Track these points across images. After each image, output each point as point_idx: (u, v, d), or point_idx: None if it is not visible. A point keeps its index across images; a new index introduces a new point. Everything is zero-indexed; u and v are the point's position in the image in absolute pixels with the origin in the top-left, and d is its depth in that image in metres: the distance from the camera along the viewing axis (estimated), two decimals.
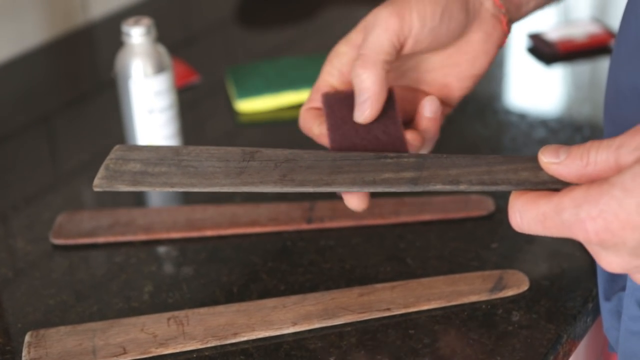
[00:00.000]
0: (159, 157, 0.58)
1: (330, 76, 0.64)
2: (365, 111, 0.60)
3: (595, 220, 0.47)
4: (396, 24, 0.59)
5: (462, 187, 0.54)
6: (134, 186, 0.56)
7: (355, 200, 0.59)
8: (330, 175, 0.56)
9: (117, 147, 0.59)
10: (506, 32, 0.65)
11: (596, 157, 0.49)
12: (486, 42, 0.64)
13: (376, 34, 0.59)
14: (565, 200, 0.48)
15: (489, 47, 0.64)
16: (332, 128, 0.60)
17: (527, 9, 0.68)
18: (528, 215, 0.50)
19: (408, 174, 0.56)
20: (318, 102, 0.64)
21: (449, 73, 0.65)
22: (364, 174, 0.56)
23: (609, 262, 0.49)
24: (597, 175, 0.49)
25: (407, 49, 0.61)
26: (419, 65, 0.65)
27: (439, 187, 0.55)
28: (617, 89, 0.61)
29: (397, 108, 0.61)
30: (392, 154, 0.57)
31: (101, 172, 0.57)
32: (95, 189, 0.57)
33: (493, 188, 0.53)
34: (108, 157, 0.58)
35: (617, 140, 0.48)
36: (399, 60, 0.64)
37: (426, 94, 0.65)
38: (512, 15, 0.66)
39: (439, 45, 0.63)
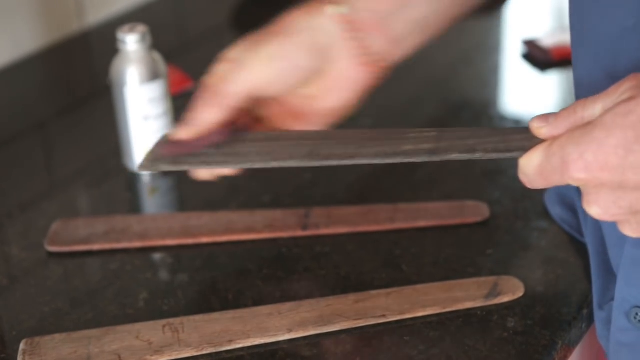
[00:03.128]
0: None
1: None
2: (184, 133, 0.64)
3: (576, 162, 0.48)
4: (255, 79, 0.64)
5: (477, 155, 0.56)
6: (175, 165, 0.63)
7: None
8: (355, 149, 0.59)
9: (164, 134, 0.65)
10: (372, 71, 0.66)
11: (583, 112, 0.50)
12: (341, 79, 0.66)
13: (237, 81, 0.64)
14: (554, 146, 0.50)
15: (346, 84, 0.66)
16: None
17: (408, 46, 0.68)
18: (529, 170, 0.52)
19: (427, 146, 0.58)
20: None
21: (308, 103, 0.67)
22: (386, 147, 0.59)
23: (591, 207, 0.50)
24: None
25: (264, 94, 0.65)
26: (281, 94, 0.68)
27: (455, 156, 0.56)
28: (590, 82, 0.61)
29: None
30: (415, 129, 0.60)
31: (147, 155, 0.63)
32: (140, 171, 0.64)
33: (508, 155, 0.55)
34: (155, 143, 0.64)
35: (602, 94, 0.49)
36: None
37: (291, 112, 0.68)
38: (388, 53, 0.67)
39: (294, 86, 0.66)
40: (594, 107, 0.50)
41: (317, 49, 0.65)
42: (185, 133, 0.64)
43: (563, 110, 0.52)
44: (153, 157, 0.63)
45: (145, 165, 0.63)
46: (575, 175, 0.49)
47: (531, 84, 1.05)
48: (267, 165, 0.61)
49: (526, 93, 1.04)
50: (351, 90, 0.67)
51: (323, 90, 0.67)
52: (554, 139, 0.51)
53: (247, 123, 0.68)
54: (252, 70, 0.64)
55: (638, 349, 0.62)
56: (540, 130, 0.52)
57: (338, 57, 0.65)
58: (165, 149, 0.64)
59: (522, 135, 0.54)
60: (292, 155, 0.60)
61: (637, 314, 0.61)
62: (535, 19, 1.22)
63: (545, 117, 0.52)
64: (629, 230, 0.51)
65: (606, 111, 0.48)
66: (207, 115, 0.64)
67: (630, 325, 0.61)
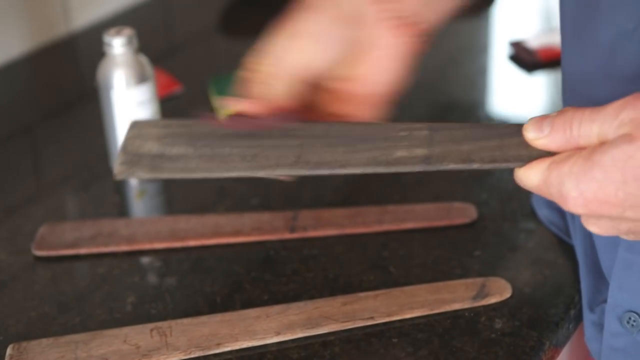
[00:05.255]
0: (175, 135, 0.60)
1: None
2: (249, 104, 0.61)
3: (576, 199, 0.49)
4: (301, 57, 0.61)
5: (475, 166, 0.55)
6: (152, 172, 0.58)
7: None
8: (344, 155, 0.58)
9: (132, 122, 0.61)
10: (411, 34, 0.63)
11: (579, 130, 0.50)
12: (386, 49, 0.63)
13: (287, 62, 0.61)
14: (552, 176, 0.50)
15: (391, 53, 0.63)
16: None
17: (441, 7, 0.66)
18: (527, 184, 0.53)
19: (420, 151, 0.56)
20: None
21: (358, 81, 0.64)
22: (378, 152, 0.57)
23: (590, 227, 0.51)
24: (582, 145, 0.50)
25: (312, 73, 0.62)
26: (329, 74, 0.65)
27: (451, 167, 0.55)
28: (585, 79, 0.61)
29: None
30: (405, 125, 0.58)
31: (120, 156, 0.58)
32: (117, 178, 0.58)
33: (505, 165, 0.54)
34: (125, 137, 0.59)
35: (599, 113, 0.49)
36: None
37: (345, 94, 0.65)
38: (420, 14, 0.63)
39: (337, 61, 0.63)
40: (591, 128, 0.49)
41: (348, 17, 0.61)
42: (254, 105, 0.60)
43: (557, 118, 0.51)
44: (129, 160, 0.58)
45: (120, 171, 0.57)
46: (574, 210, 0.49)
47: (518, 85, 1.05)
48: (254, 174, 0.58)
49: (513, 94, 1.04)
50: (392, 60, 0.63)
51: (365, 67, 0.63)
52: (552, 161, 0.50)
53: (299, 110, 0.64)
54: (296, 49, 0.61)
55: (631, 353, 0.62)
56: (536, 142, 0.52)
57: (370, 23, 0.62)
58: (230, 122, 0.60)
59: (517, 139, 0.53)
60: (278, 162, 0.58)
61: (630, 318, 0.61)
62: (522, 21, 1.22)
63: (539, 126, 0.52)
64: (627, 239, 0.52)
65: (605, 148, 0.48)
66: (274, 89, 0.61)
67: (623, 330, 0.61)
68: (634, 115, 0.48)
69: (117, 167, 0.57)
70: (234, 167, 0.58)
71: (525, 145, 0.53)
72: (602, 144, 0.48)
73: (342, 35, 0.61)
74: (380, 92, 0.64)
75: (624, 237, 0.52)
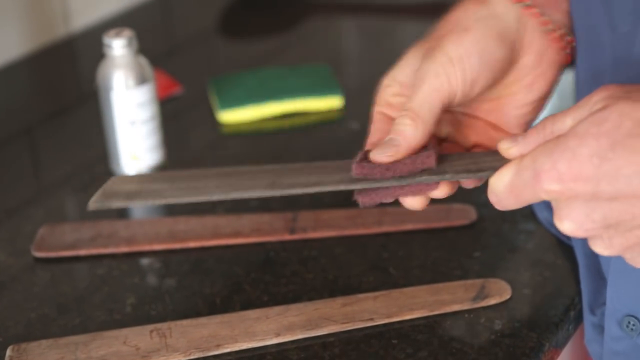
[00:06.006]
0: (153, 179, 0.59)
1: (380, 107, 0.61)
2: (388, 153, 0.55)
3: (549, 172, 0.46)
4: (444, 85, 0.56)
5: (447, 177, 0.54)
6: (127, 201, 0.57)
7: (410, 201, 0.57)
8: (319, 176, 0.57)
9: (112, 178, 0.59)
10: (563, 47, 0.60)
11: (552, 127, 0.49)
12: (539, 65, 0.59)
13: (427, 92, 0.56)
14: (525, 159, 0.48)
15: (545, 68, 0.60)
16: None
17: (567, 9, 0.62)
18: (499, 188, 0.50)
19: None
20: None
21: (506, 103, 0.60)
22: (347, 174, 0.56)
23: (562, 222, 0.47)
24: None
25: (457, 102, 0.58)
26: (474, 98, 0.61)
27: (424, 179, 0.55)
28: (587, 80, 0.61)
29: (433, 151, 0.57)
30: None
31: (97, 193, 0.57)
32: (90, 208, 0.56)
33: (479, 175, 0.53)
34: (105, 184, 0.58)
35: (572, 107, 0.48)
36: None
37: (485, 121, 0.61)
38: (567, 25, 0.60)
39: (489, 84, 0.59)
40: (564, 121, 0.48)
41: (505, 36, 0.58)
42: (389, 154, 0.55)
43: (532, 129, 0.50)
44: (105, 195, 0.57)
45: (96, 201, 0.56)
46: (548, 186, 0.47)
47: None
48: (227, 197, 0.56)
49: None
50: (551, 75, 0.60)
51: (519, 85, 0.59)
52: (525, 155, 0.49)
53: (439, 144, 0.60)
54: (441, 77, 0.56)
55: (632, 356, 0.62)
56: (509, 150, 0.50)
57: (529, 40, 0.58)
58: (359, 169, 0.55)
59: (492, 157, 0.53)
60: (253, 186, 0.56)
61: (629, 322, 0.60)
62: None
63: (513, 138, 0.50)
64: (600, 247, 0.48)
65: (579, 121, 0.47)
66: (410, 134, 0.55)
67: (623, 333, 0.61)
68: (606, 94, 0.47)
69: (92, 201, 0.56)
70: (208, 193, 0.56)
71: (500, 158, 0.52)
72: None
73: (497, 57, 0.57)
74: (531, 112, 0.61)
75: (599, 247, 0.48)
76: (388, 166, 0.55)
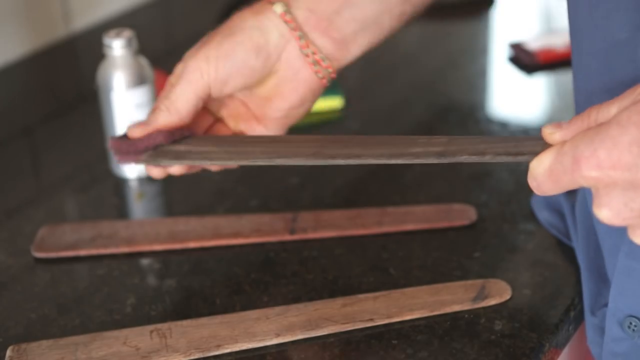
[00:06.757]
0: (201, 141, 0.67)
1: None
2: (136, 129, 0.67)
3: (588, 159, 0.47)
4: (198, 79, 0.67)
5: (487, 158, 0.54)
6: (176, 160, 0.64)
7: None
8: (360, 150, 0.59)
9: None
10: (317, 72, 0.68)
11: (597, 115, 0.49)
12: (293, 80, 0.68)
13: (183, 85, 0.67)
14: (566, 145, 0.48)
15: (297, 84, 0.68)
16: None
17: (357, 47, 0.70)
18: (539, 172, 0.50)
19: (436, 149, 0.56)
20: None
21: (268, 102, 0.69)
22: (393, 149, 0.57)
23: (601, 210, 0.48)
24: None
25: (213, 95, 0.68)
26: (231, 93, 0.70)
27: (464, 158, 0.55)
28: (587, 94, 0.61)
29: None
30: (424, 136, 0.59)
31: (148, 153, 0.66)
32: (140, 164, 0.68)
33: (519, 158, 0.53)
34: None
35: (617, 97, 0.48)
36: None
37: (252, 113, 0.71)
38: (336, 55, 0.68)
39: (242, 85, 0.68)
40: (609, 110, 0.48)
41: (262, 48, 0.67)
42: (136, 131, 0.67)
43: (576, 116, 0.50)
44: (155, 154, 0.66)
45: (146, 159, 0.66)
46: (587, 173, 0.47)
47: (517, 87, 1.05)
48: (271, 163, 0.61)
49: (512, 96, 1.04)
50: (303, 91, 0.68)
51: (276, 91, 0.68)
52: (565, 141, 0.49)
53: (209, 124, 0.71)
54: (197, 72, 0.66)
55: (632, 358, 0.62)
56: (553, 135, 0.51)
57: (286, 57, 0.67)
58: (115, 144, 0.68)
59: (534, 142, 0.53)
60: (297, 154, 0.60)
61: (631, 323, 0.60)
62: (521, 23, 1.22)
63: (558, 124, 0.51)
64: (639, 236, 0.48)
65: (622, 110, 0.47)
66: (159, 117, 0.67)
67: (624, 334, 0.61)
68: None
69: (143, 158, 0.66)
70: (253, 158, 0.62)
71: (542, 143, 0.52)
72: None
73: (252, 65, 0.67)
74: (286, 114, 0.69)
75: (638, 236, 0.48)
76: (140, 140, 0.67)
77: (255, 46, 0.67)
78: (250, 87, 0.69)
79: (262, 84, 0.69)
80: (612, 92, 0.50)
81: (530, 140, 0.54)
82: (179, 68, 0.68)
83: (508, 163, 0.53)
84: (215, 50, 0.67)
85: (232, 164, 0.67)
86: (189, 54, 0.68)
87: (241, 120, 0.71)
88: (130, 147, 0.67)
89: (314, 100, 0.70)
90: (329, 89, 1.01)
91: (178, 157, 0.64)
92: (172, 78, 0.69)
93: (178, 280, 0.74)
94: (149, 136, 0.67)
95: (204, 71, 0.67)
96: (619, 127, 0.46)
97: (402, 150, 0.57)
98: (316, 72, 0.68)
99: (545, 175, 0.50)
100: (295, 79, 0.68)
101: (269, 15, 0.67)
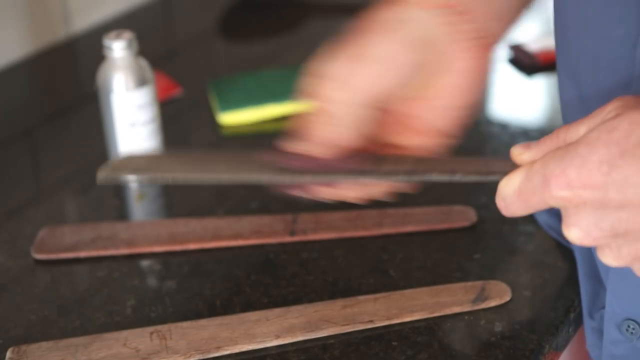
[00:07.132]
0: (163, 157, 0.62)
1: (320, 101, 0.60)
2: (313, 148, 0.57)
3: (558, 178, 0.46)
4: (378, 82, 0.57)
5: (457, 177, 0.54)
6: (136, 175, 0.58)
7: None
8: (327, 167, 0.57)
9: (122, 155, 0.62)
10: (480, 53, 0.59)
11: (566, 135, 0.48)
12: (454, 68, 0.59)
13: (350, 93, 0.57)
14: (535, 165, 0.48)
15: (459, 72, 0.59)
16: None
17: (509, 19, 0.64)
18: (507, 192, 0.49)
19: (405, 167, 0.56)
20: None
21: (422, 108, 0.60)
22: (362, 166, 0.56)
23: (570, 230, 0.47)
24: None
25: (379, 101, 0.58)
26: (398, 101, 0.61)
27: (434, 177, 0.55)
28: (576, 99, 0.61)
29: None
30: (394, 154, 0.58)
31: (106, 168, 0.58)
32: (99, 181, 0.57)
33: (489, 178, 0.53)
34: (114, 158, 0.60)
35: (586, 117, 0.48)
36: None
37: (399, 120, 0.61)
38: (489, 29, 0.61)
39: (409, 89, 0.59)
40: (578, 129, 0.48)
41: (417, 41, 0.57)
42: (318, 147, 0.56)
43: (545, 136, 0.50)
44: (114, 168, 0.59)
45: (104, 173, 0.57)
46: (557, 192, 0.46)
47: (517, 89, 1.05)
48: (236, 179, 0.57)
49: (512, 97, 1.04)
50: (468, 83, 0.59)
51: (435, 88, 0.59)
52: (535, 160, 0.48)
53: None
54: (362, 74, 0.56)
55: None
56: (522, 156, 0.50)
57: (442, 46, 0.58)
58: (287, 160, 0.57)
59: (503, 162, 0.53)
60: (262, 170, 0.56)
61: (629, 326, 0.60)
62: (521, 24, 1.22)
63: (527, 144, 0.51)
64: (609, 257, 0.47)
65: (591, 129, 0.47)
66: (339, 123, 0.56)
67: (622, 337, 0.61)
68: (619, 103, 0.47)
69: (101, 173, 0.57)
70: (216, 172, 0.57)
71: (511, 163, 0.51)
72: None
73: (412, 60, 0.57)
74: (451, 118, 0.60)
75: (608, 257, 0.48)
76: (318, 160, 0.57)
77: (410, 41, 0.57)
78: (405, 90, 0.59)
79: (416, 85, 0.59)
80: (605, 96, 0.50)
81: (500, 160, 0.54)
82: (325, 85, 0.57)
83: (496, 183, 0.53)
84: (365, 50, 0.57)
85: (193, 179, 0.59)
86: (331, 65, 0.57)
87: (391, 136, 0.61)
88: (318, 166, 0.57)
89: (477, 89, 0.60)
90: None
91: (137, 171, 0.58)
92: (323, 97, 0.57)
93: (178, 282, 0.74)
94: (344, 158, 0.57)
95: (365, 75, 0.57)
96: (588, 146, 0.45)
97: (372, 167, 0.56)
98: (477, 53, 0.59)
99: (514, 196, 0.49)
100: (455, 67, 0.58)
101: (413, 5, 0.58)
